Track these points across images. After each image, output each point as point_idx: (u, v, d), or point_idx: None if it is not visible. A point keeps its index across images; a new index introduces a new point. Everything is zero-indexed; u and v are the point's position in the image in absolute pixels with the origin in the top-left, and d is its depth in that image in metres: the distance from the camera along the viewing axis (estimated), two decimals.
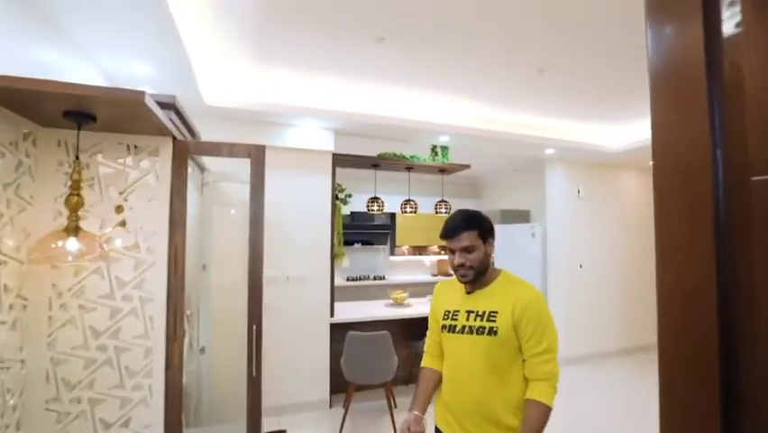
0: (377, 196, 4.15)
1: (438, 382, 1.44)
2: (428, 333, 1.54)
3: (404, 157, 4.00)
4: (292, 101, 3.17)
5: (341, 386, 3.45)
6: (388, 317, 3.70)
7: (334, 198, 3.61)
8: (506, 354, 1.25)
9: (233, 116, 3.19)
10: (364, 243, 6.78)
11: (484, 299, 1.32)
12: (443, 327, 1.38)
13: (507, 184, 7.08)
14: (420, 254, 7.28)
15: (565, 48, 2.53)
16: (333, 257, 3.55)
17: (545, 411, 1.19)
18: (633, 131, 4.28)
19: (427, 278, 7.03)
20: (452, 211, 4.10)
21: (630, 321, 5.33)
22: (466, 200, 7.53)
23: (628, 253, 5.41)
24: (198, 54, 2.44)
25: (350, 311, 3.78)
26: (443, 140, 3.99)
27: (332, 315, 3.50)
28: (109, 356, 1.45)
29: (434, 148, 4.31)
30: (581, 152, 4.54)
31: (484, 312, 1.29)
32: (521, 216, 6.46)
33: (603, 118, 3.95)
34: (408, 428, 1.27)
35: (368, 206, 4.09)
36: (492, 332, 1.25)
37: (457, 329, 1.33)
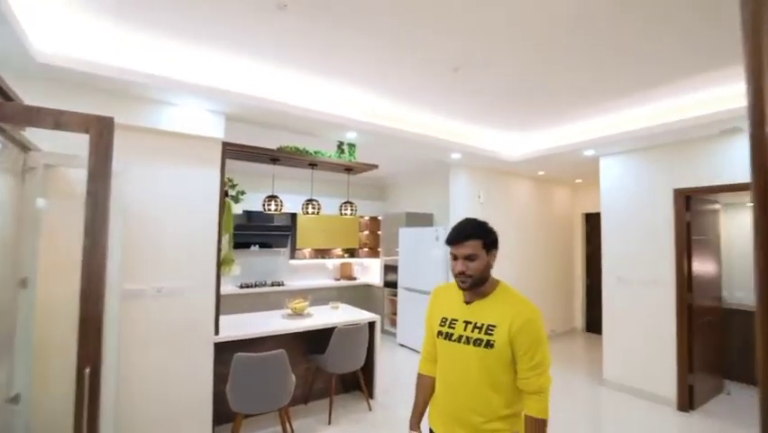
0: (275, 194, 3.69)
1: (432, 386, 1.50)
2: (425, 338, 1.56)
3: (307, 152, 3.62)
4: (170, 73, 2.57)
5: (227, 416, 2.94)
6: (285, 331, 3.28)
7: (224, 194, 3.07)
8: (499, 366, 1.30)
9: (87, 83, 2.47)
10: (262, 245, 6.18)
11: (483, 312, 1.36)
12: (439, 333, 1.42)
13: (412, 187, 7.14)
14: (323, 258, 6.92)
15: (481, 48, 2.46)
16: (221, 263, 3.02)
17: (542, 425, 1.26)
18: (529, 141, 4.57)
19: (330, 282, 6.71)
20: (355, 211, 3.83)
21: None
22: (371, 202, 7.41)
23: (522, 256, 5.82)
24: None
25: (240, 326, 3.28)
26: (350, 136, 3.72)
27: (216, 332, 2.96)
28: None
29: (340, 145, 4.02)
30: (484, 159, 4.70)
31: (483, 325, 1.33)
32: (425, 219, 6.56)
33: (507, 126, 4.11)
34: None
35: (264, 205, 3.61)
36: (489, 345, 1.30)
37: (454, 338, 1.37)
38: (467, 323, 1.37)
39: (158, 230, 2.74)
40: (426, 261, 5.38)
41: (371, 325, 3.79)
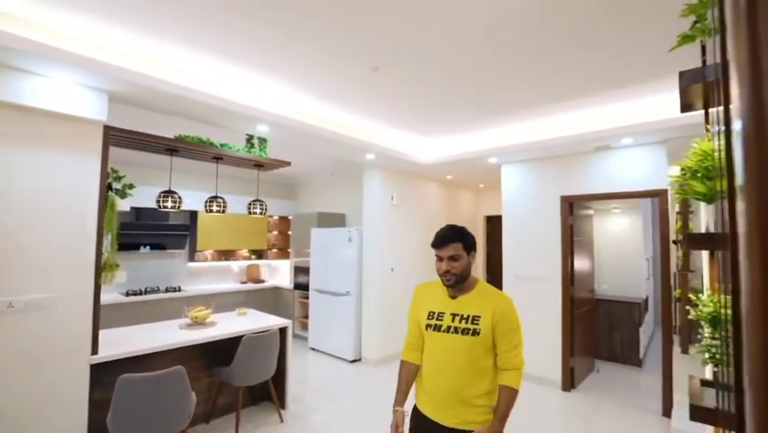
0: (172, 189, 3.25)
1: (416, 373, 1.67)
2: (408, 330, 1.74)
3: (212, 144, 3.27)
4: (36, 36, 2.08)
5: None
6: (184, 344, 2.91)
7: (106, 187, 2.60)
8: (482, 350, 1.51)
9: None
10: (154, 246, 5.45)
11: (468, 305, 1.55)
12: (428, 325, 1.59)
13: (324, 187, 6.99)
14: (227, 260, 6.38)
15: (400, 50, 2.46)
16: (101, 269, 2.54)
17: (515, 394, 1.50)
18: (440, 147, 4.77)
19: (235, 286, 6.22)
20: (265, 210, 3.61)
21: None
22: (281, 201, 7.08)
23: (430, 257, 6.06)
24: None
25: (127, 341, 2.82)
26: (261, 130, 3.46)
27: (94, 351, 2.49)
28: None
29: (250, 139, 3.72)
30: (398, 161, 4.78)
31: (468, 316, 1.53)
32: (337, 220, 6.46)
33: (421, 131, 4.22)
34: (397, 428, 1.53)
35: (159, 201, 3.16)
36: (475, 333, 1.50)
37: (442, 329, 1.55)
38: (454, 315, 1.55)
39: (13, 231, 2.20)
40: (339, 262, 5.29)
41: (282, 330, 3.58)
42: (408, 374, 1.67)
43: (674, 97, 3.33)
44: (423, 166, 5.05)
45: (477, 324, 1.51)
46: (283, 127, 3.39)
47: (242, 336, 3.07)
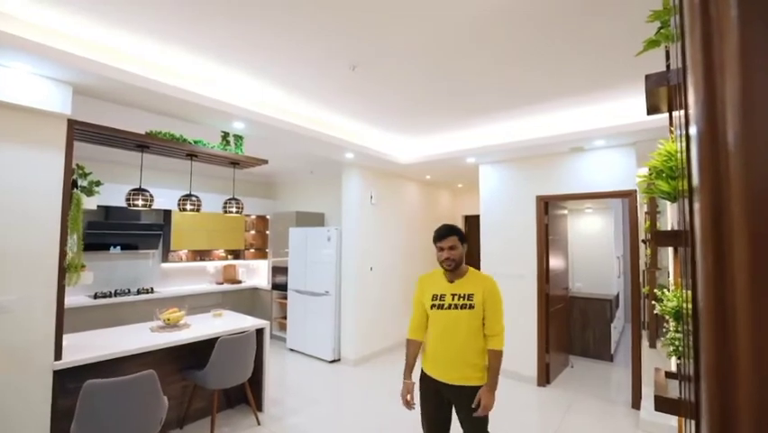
0: (143, 187, 3.14)
1: (420, 348, 2.13)
2: (413, 312, 2.17)
3: (184, 140, 3.18)
4: None
5: None
6: (155, 347, 2.82)
7: (71, 184, 2.49)
8: (476, 320, 1.96)
9: None
10: (125, 247, 5.26)
11: (463, 286, 2.02)
12: (433, 305, 2.03)
13: (303, 186, 6.92)
14: (203, 260, 6.23)
15: (379, 49, 2.45)
16: (65, 270, 2.43)
17: (501, 354, 1.97)
18: (419, 146, 4.80)
19: (211, 287, 6.08)
20: (241, 209, 3.55)
21: (408, 316, 5.98)
22: (259, 200, 6.96)
23: (410, 254, 6.09)
24: None
25: (95, 346, 2.71)
26: (237, 127, 3.39)
27: (58, 357, 2.38)
28: None
29: (225, 136, 3.64)
30: (377, 160, 4.77)
31: (465, 294, 1.98)
32: (316, 219, 6.41)
33: (400, 130, 4.23)
34: (409, 398, 2.01)
35: (129, 199, 3.04)
36: (471, 307, 1.96)
37: (444, 307, 2.00)
38: (453, 295, 2.00)
39: None
40: (318, 262, 5.24)
41: (259, 332, 3.52)
42: (415, 350, 2.11)
43: (643, 101, 3.48)
44: (402, 166, 5.07)
45: (471, 300, 1.96)
46: (259, 125, 3.33)
47: (217, 338, 3.00)
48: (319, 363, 5.01)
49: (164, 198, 5.19)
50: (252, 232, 6.99)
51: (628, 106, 3.42)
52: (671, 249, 3.70)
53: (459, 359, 1.94)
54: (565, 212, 5.14)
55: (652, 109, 1.36)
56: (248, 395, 3.29)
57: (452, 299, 1.98)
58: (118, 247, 5.20)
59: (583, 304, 5.35)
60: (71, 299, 4.57)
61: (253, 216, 6.98)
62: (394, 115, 3.73)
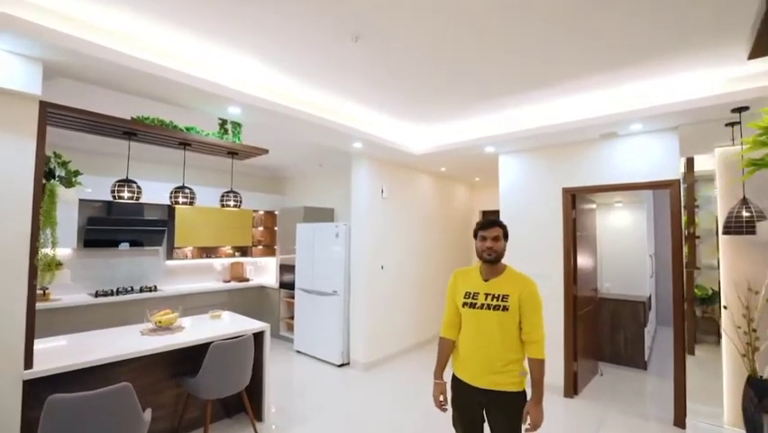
0: (130, 178, 2.89)
1: (452, 348, 2.00)
2: (446, 309, 2.03)
3: (175, 127, 2.91)
4: None
5: None
6: (140, 353, 2.56)
7: (44, 174, 2.24)
8: (511, 323, 1.81)
9: None
10: (133, 243, 5.08)
11: (498, 286, 1.86)
12: (465, 303, 1.91)
13: (312, 180, 6.64)
14: (209, 257, 6.02)
15: (385, 16, 2.11)
16: (36, 269, 2.19)
17: (543, 363, 1.81)
18: (433, 135, 4.43)
19: (218, 285, 5.86)
20: (239, 202, 3.28)
21: (425, 316, 5.66)
22: (267, 195, 6.72)
23: (424, 251, 5.75)
24: None
25: (77, 351, 2.48)
26: (233, 113, 3.10)
27: (28, 365, 2.14)
28: None
29: (223, 124, 3.37)
30: (388, 150, 4.44)
31: (499, 295, 1.84)
32: (325, 215, 6.12)
33: (411, 117, 3.88)
34: (441, 399, 1.96)
35: (114, 191, 2.79)
36: (505, 309, 1.81)
37: (477, 306, 1.87)
38: (487, 294, 1.86)
39: None
40: (326, 259, 4.95)
41: (259, 335, 3.24)
42: (447, 349, 2.00)
43: (690, 77, 3.05)
44: (415, 156, 4.72)
45: (506, 301, 1.82)
46: (258, 110, 3.03)
47: (211, 342, 2.73)
48: (327, 366, 4.72)
49: (165, 193, 4.96)
50: (261, 228, 6.76)
51: (671, 84, 2.99)
52: (723, 246, 3.28)
53: (491, 363, 1.83)
54: (593, 206, 4.71)
55: (757, 51, 0.99)
56: (246, 405, 3.01)
57: (486, 299, 1.86)
58: (126, 244, 5.02)
59: (614, 306, 4.91)
60: (71, 298, 4.40)
61: (261, 212, 6.74)
62: (404, 98, 3.38)
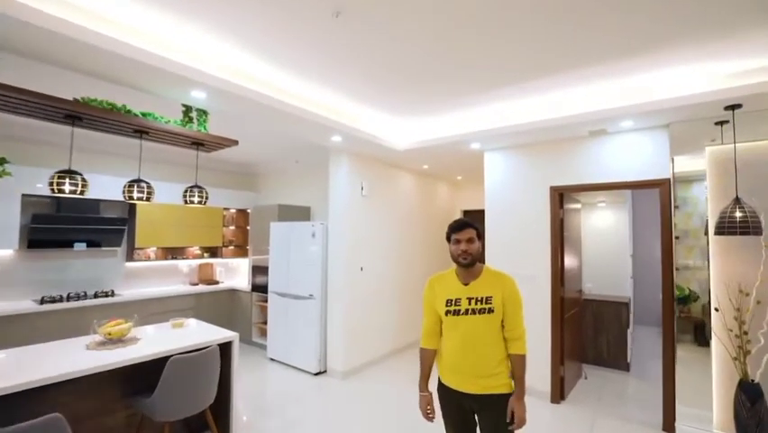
0: (73, 170, 2.51)
1: (434, 357, 1.94)
2: (424, 318, 1.95)
3: (128, 111, 2.55)
4: None
5: None
6: (84, 372, 2.20)
7: None
8: (496, 324, 1.80)
9: None
10: (90, 244, 4.62)
11: (479, 288, 1.82)
12: (448, 312, 1.83)
13: (288, 177, 6.31)
14: (175, 258, 5.58)
15: None
16: None
17: (524, 358, 1.80)
18: (416, 129, 4.21)
19: (185, 289, 5.44)
20: (204, 198, 2.96)
21: (407, 320, 5.44)
22: (239, 192, 6.33)
23: (405, 252, 5.52)
24: None
25: (5, 371, 2.09)
26: (197, 97, 2.76)
27: None
28: None
29: (187, 111, 3.03)
30: (368, 145, 4.18)
31: (482, 297, 1.80)
32: (301, 213, 5.81)
33: (394, 110, 3.64)
34: (429, 410, 1.88)
35: (53, 183, 2.41)
36: (490, 311, 1.78)
37: (461, 312, 1.80)
38: (470, 299, 1.80)
39: None
40: (302, 260, 4.65)
41: (226, 346, 2.93)
42: (429, 359, 1.93)
43: (683, 72, 2.94)
44: (398, 152, 4.48)
45: (490, 303, 1.77)
46: (226, 95, 2.72)
47: (170, 356, 2.40)
48: (302, 375, 4.43)
49: (113, 187, 4.47)
50: (232, 227, 6.36)
51: (664, 79, 2.89)
52: (713, 246, 3.21)
53: (481, 368, 1.78)
54: (579, 206, 4.62)
55: None
56: (210, 425, 2.70)
57: (469, 303, 1.79)
58: (83, 244, 4.55)
59: (597, 307, 4.84)
60: (11, 306, 3.91)
61: (233, 210, 6.35)
62: (386, 88, 3.14)
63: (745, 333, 2.88)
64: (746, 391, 2.77)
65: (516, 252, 4.04)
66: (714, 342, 3.03)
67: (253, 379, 4.33)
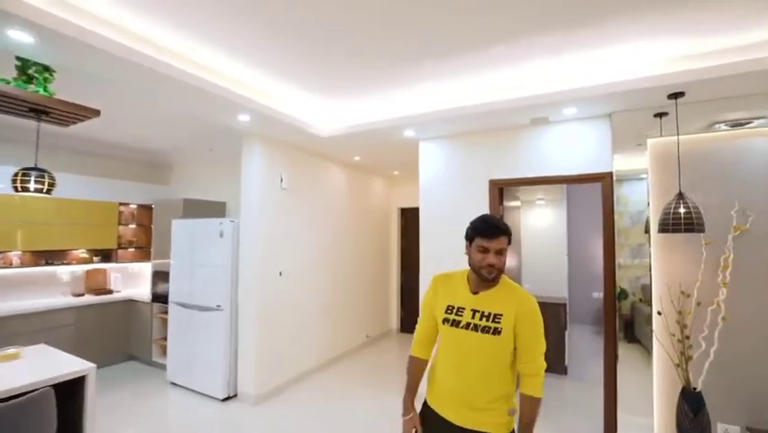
0: None
1: (425, 369, 1.68)
2: (420, 321, 1.68)
3: None
4: None
5: None
6: None
7: None
8: (502, 351, 1.43)
9: None
10: None
11: (490, 301, 1.47)
12: (445, 320, 1.53)
13: (201, 168, 5.49)
14: (52, 264, 4.53)
15: None
16: None
17: (539, 403, 1.43)
18: (344, 113, 3.66)
19: (63, 301, 4.40)
20: (45, 187, 2.29)
21: (334, 331, 4.87)
22: (142, 184, 5.38)
23: (336, 255, 4.96)
24: None
25: None
26: (16, 39, 1.99)
27: None
28: None
29: (23, 66, 2.22)
30: (287, 128, 3.56)
31: (490, 313, 1.45)
32: (215, 210, 5.03)
33: (316, 86, 3.05)
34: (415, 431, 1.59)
35: None
36: (497, 332, 1.42)
37: (461, 325, 1.49)
38: (474, 311, 1.48)
39: None
40: (208, 264, 3.90)
41: (76, 383, 2.18)
42: (418, 371, 1.68)
43: (628, 51, 2.64)
44: (321, 139, 3.90)
45: (498, 322, 1.43)
46: (69, 42, 1.97)
47: None
48: (207, 402, 3.69)
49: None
50: (132, 226, 5.38)
51: (606, 60, 2.62)
52: (655, 245, 3.03)
53: (473, 398, 1.47)
54: (518, 203, 4.37)
55: None
56: None
57: (473, 317, 1.48)
58: None
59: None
60: None
61: (133, 206, 5.37)
62: (306, 58, 2.55)
63: (687, 337, 2.70)
64: (689, 401, 2.58)
65: (453, 253, 3.64)
66: (655, 347, 2.84)
67: (147, 410, 3.53)
